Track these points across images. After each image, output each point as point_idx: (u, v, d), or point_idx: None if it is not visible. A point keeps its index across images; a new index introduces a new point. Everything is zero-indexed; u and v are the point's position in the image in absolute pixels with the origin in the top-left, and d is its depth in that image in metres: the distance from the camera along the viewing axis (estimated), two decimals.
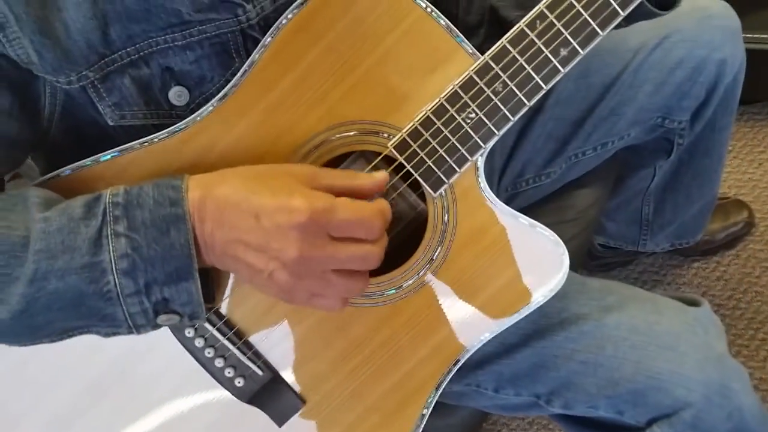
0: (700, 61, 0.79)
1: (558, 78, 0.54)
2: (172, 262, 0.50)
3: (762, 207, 1.24)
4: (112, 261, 0.49)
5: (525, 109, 0.54)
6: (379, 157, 0.56)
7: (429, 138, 0.54)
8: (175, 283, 0.50)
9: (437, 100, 0.54)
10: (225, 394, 0.57)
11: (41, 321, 0.50)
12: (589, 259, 1.28)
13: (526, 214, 0.88)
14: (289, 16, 0.53)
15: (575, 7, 0.52)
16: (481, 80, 0.53)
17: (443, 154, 0.54)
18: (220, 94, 0.54)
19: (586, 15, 0.53)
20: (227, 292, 0.57)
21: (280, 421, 0.57)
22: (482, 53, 0.54)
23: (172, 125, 0.56)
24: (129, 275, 0.49)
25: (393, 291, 0.57)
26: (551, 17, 0.53)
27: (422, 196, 0.58)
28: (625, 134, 0.85)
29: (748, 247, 1.21)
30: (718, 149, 0.96)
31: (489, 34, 0.73)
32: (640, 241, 1.12)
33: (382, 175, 0.53)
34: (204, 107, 0.55)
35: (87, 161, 0.55)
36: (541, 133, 0.83)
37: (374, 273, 0.54)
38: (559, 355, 0.62)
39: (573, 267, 0.81)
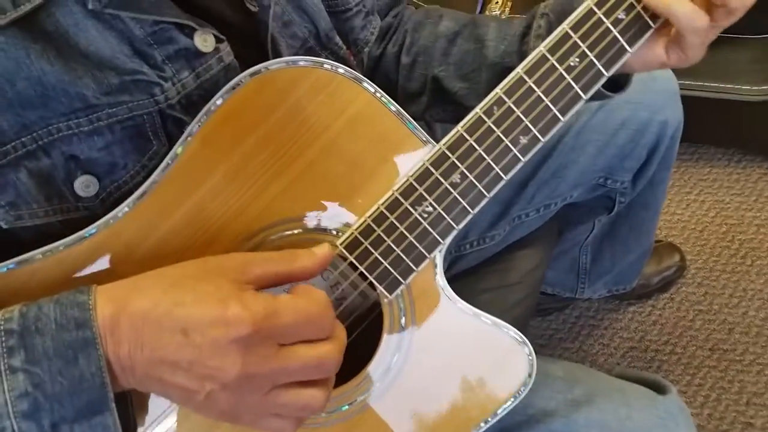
0: (643, 124, 0.78)
1: (518, 167, 0.50)
2: (82, 396, 0.41)
3: (692, 248, 1.26)
4: (8, 403, 0.40)
5: (485, 201, 0.50)
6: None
7: (383, 235, 0.48)
8: (87, 419, 0.42)
9: (390, 193, 0.48)
10: None
11: None
12: None
13: (468, 278, 0.84)
14: (218, 102, 0.46)
15: (535, 92, 0.48)
16: (437, 171, 0.48)
17: (399, 252, 0.49)
18: (138, 192, 0.47)
19: (547, 101, 0.49)
20: (159, 411, 0.48)
21: None
22: (425, 124, 0.49)
23: (79, 218, 0.48)
24: (31, 417, 0.40)
25: (346, 407, 0.50)
26: (509, 102, 0.49)
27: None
28: (568, 195, 0.82)
29: (681, 290, 1.22)
30: (655, 203, 0.97)
31: (431, 103, 0.69)
32: (578, 289, 1.11)
33: (324, 250, 0.46)
34: (118, 208, 0.47)
35: None
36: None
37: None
38: None
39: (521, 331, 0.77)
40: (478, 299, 0.82)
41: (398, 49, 0.71)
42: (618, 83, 0.60)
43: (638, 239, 1.03)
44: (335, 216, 0.48)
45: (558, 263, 1.07)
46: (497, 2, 1.27)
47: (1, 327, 0.41)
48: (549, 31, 0.56)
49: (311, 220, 0.48)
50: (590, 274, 1.08)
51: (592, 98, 0.54)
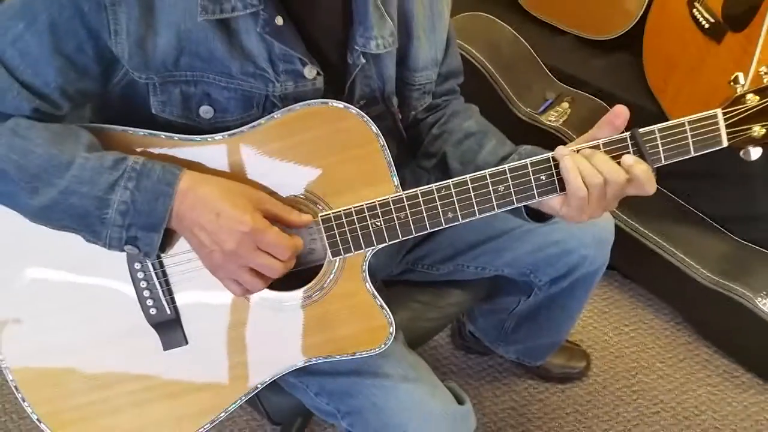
0: (569, 250, 1.06)
1: (438, 228, 0.80)
2: (151, 218, 0.75)
3: (601, 364, 1.53)
4: (116, 202, 0.74)
5: (412, 236, 0.81)
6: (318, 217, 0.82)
7: (345, 224, 0.80)
8: (146, 231, 0.76)
9: (362, 204, 0.79)
10: (140, 314, 0.82)
11: (54, 216, 0.75)
12: (459, 339, 1.56)
13: (411, 287, 1.15)
14: (297, 107, 0.78)
15: (470, 192, 0.79)
16: (393, 206, 0.79)
17: (349, 237, 0.80)
18: (231, 132, 0.79)
19: (474, 201, 0.79)
20: (175, 251, 0.82)
21: (167, 347, 0.83)
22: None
23: (192, 127, 0.81)
24: (122, 214, 0.75)
25: (277, 302, 0.83)
26: (452, 190, 0.79)
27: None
28: (501, 269, 1.12)
29: (573, 388, 1.49)
30: (571, 309, 1.24)
31: (435, 165, 0.98)
32: (496, 343, 1.40)
33: (306, 218, 0.79)
34: (217, 134, 0.79)
35: (129, 129, 0.79)
36: (446, 238, 1.10)
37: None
38: (362, 393, 0.88)
39: (420, 340, 1.09)
40: (409, 303, 1.14)
41: (434, 121, 1.01)
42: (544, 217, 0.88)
43: (550, 331, 1.31)
44: (326, 199, 0.80)
45: (489, 316, 1.36)
46: (557, 112, 1.55)
47: (131, 164, 0.75)
48: None
49: (312, 195, 0.80)
50: (508, 338, 1.37)
51: (534, 219, 0.84)
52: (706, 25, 1.35)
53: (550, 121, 1.54)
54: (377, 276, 1.05)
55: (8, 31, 0.73)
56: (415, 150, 1.03)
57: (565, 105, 1.56)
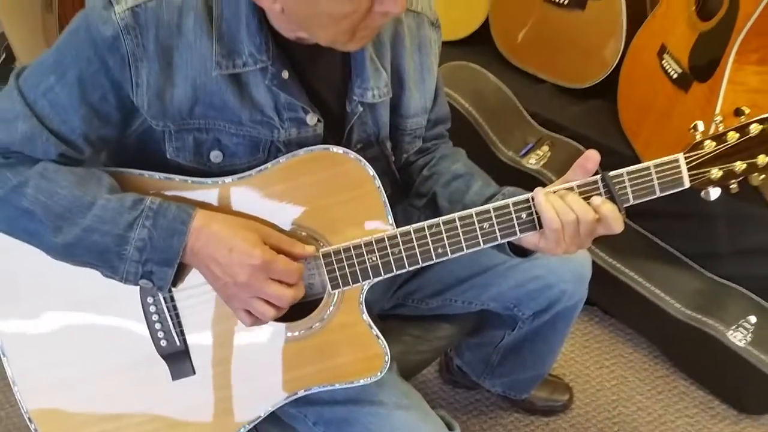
0: (549, 285, 1.13)
1: (430, 263, 0.87)
2: (166, 254, 0.82)
3: (583, 398, 1.58)
4: (134, 239, 0.81)
5: (404, 270, 0.87)
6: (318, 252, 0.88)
7: (344, 259, 0.87)
8: (161, 266, 0.82)
9: (359, 240, 0.86)
10: (150, 345, 0.88)
11: (76, 253, 0.81)
12: (447, 373, 1.61)
13: (402, 321, 1.21)
14: (301, 153, 0.86)
15: (458, 230, 0.86)
16: (388, 242, 0.86)
17: (347, 272, 0.87)
18: (239, 175, 0.86)
19: (461, 237, 0.86)
20: (185, 286, 0.88)
21: (175, 377, 0.88)
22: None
23: (202, 171, 0.88)
24: (140, 250, 0.81)
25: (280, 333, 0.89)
26: (442, 228, 0.86)
27: None
28: (487, 303, 1.18)
29: (557, 421, 1.54)
30: (553, 343, 1.31)
31: (425, 204, 1.06)
32: (483, 377, 1.45)
33: (309, 249, 0.86)
34: (225, 177, 0.86)
35: (145, 172, 0.86)
36: (435, 274, 1.17)
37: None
38: (359, 421, 0.94)
39: (412, 372, 1.15)
40: (401, 337, 1.20)
41: (424, 163, 1.09)
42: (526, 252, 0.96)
43: (534, 364, 1.37)
44: (326, 236, 0.87)
45: (476, 350, 1.42)
46: (537, 155, 1.65)
47: (149, 204, 0.81)
48: None
49: (313, 232, 0.87)
50: (494, 371, 1.42)
51: (517, 254, 0.92)
52: (674, 75, 1.46)
53: (530, 164, 1.63)
54: (371, 309, 1.11)
55: (41, 84, 0.80)
56: (406, 190, 1.10)
57: (545, 149, 1.65)
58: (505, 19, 1.92)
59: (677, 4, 1.46)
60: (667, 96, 1.47)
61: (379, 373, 0.89)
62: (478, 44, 2.00)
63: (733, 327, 1.48)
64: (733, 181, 0.93)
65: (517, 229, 0.87)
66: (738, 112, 0.93)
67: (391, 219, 0.87)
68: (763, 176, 0.94)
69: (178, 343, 0.88)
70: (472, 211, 0.86)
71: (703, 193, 0.93)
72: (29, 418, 0.87)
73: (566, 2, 1.74)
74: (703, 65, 1.37)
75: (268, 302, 0.82)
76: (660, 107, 1.50)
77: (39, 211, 0.79)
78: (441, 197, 1.04)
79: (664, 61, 1.49)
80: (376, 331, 0.89)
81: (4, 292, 0.87)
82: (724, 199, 1.50)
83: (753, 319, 1.49)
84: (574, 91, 1.81)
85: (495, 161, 1.66)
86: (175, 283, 0.86)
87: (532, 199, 0.86)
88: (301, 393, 0.90)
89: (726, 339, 1.46)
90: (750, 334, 1.47)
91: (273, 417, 0.98)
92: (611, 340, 1.71)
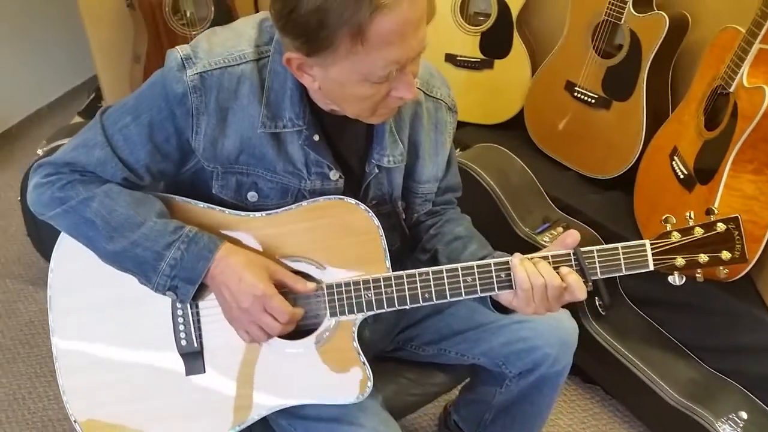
0: (534, 347, 1.24)
1: (417, 305, 1.01)
2: (191, 274, 0.99)
3: None
4: (168, 257, 0.98)
5: (394, 309, 1.02)
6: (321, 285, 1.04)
7: (343, 291, 1.02)
8: (186, 283, 0.99)
9: (359, 278, 1.02)
10: (173, 343, 1.04)
11: (121, 260, 1.00)
12: (445, 428, 1.70)
13: (399, 364, 1.34)
14: (320, 200, 1.03)
15: (444, 280, 1.01)
16: (383, 282, 1.01)
17: (345, 303, 1.02)
18: (268, 212, 1.04)
19: (446, 287, 1.01)
20: (208, 299, 1.04)
21: (188, 373, 1.04)
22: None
23: (239, 207, 1.06)
24: (171, 267, 0.99)
25: (281, 349, 1.04)
26: (430, 276, 1.01)
27: None
28: (478, 358, 1.30)
29: None
30: (539, 406, 1.40)
31: (428, 259, 1.21)
32: None
33: (311, 286, 1.01)
34: (257, 213, 1.04)
35: (191, 201, 1.05)
36: (433, 324, 1.30)
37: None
38: None
39: (403, 412, 1.26)
40: (397, 378, 1.33)
41: (432, 224, 1.24)
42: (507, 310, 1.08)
43: (522, 425, 1.46)
44: (327, 274, 1.03)
45: (471, 405, 1.52)
46: (551, 234, 1.77)
47: (187, 232, 0.99)
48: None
49: (315, 268, 1.03)
50: (485, 429, 1.51)
51: (498, 310, 1.05)
52: (681, 176, 1.58)
53: (545, 241, 1.75)
54: (372, 349, 1.25)
55: (119, 122, 1.01)
56: (414, 245, 1.26)
57: (560, 229, 1.78)
58: (538, 111, 2.10)
59: (690, 112, 1.60)
60: (674, 194, 1.59)
61: (361, 395, 1.02)
62: (513, 129, 2.18)
63: (723, 419, 1.53)
64: (699, 270, 1.05)
65: (495, 285, 1.01)
66: (708, 212, 1.05)
67: (388, 263, 1.02)
68: (726, 270, 1.06)
69: (195, 345, 1.04)
70: (459, 266, 1.01)
71: (670, 278, 1.05)
72: (63, 391, 1.04)
73: (594, 102, 1.91)
74: (705, 169, 1.49)
75: (262, 329, 0.98)
76: (667, 204, 1.62)
77: (99, 222, 0.99)
78: (441, 254, 1.19)
79: (674, 162, 1.62)
80: (363, 358, 1.03)
81: (64, 286, 1.06)
82: (723, 296, 1.61)
83: (744, 415, 1.54)
84: (596, 180, 1.95)
85: (512, 235, 1.80)
86: (196, 299, 1.03)
87: (510, 261, 1.00)
88: (292, 403, 1.04)
89: (714, 429, 1.51)
90: (739, 429, 1.52)
91: (267, 429, 1.13)
92: (609, 419, 1.77)
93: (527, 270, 0.98)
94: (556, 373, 1.30)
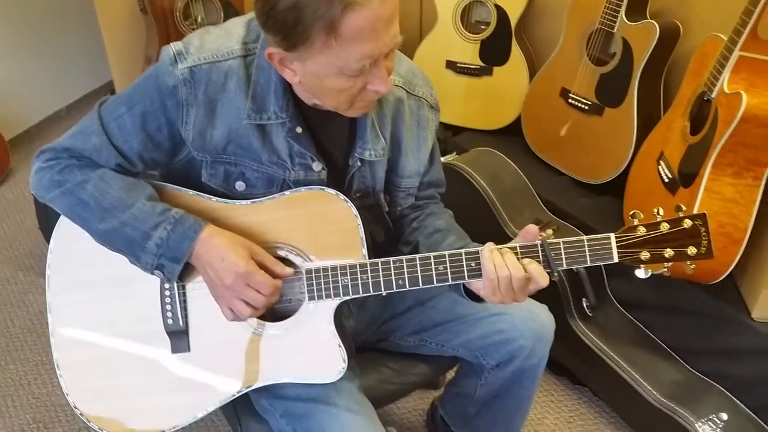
0: (510, 339, 1.28)
1: (391, 291, 1.06)
2: (176, 253, 1.05)
3: None
4: (155, 237, 1.05)
5: (369, 294, 1.07)
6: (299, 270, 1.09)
7: (321, 277, 1.07)
8: (171, 262, 1.05)
9: (336, 263, 1.07)
10: (160, 321, 1.10)
11: (112, 239, 1.06)
12: (432, 423, 1.75)
13: (382, 354, 1.39)
14: (302, 190, 1.09)
15: (416, 267, 1.06)
16: (359, 269, 1.07)
17: (323, 288, 1.07)
18: (254, 200, 1.10)
19: (419, 273, 1.06)
20: (193, 280, 1.10)
21: (174, 351, 1.10)
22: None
23: (227, 195, 1.12)
24: (158, 246, 1.05)
25: (262, 330, 1.09)
26: (404, 264, 1.06)
27: None
28: (457, 349, 1.34)
29: None
30: (520, 400, 1.43)
31: (410, 250, 1.26)
32: (461, 428, 1.58)
33: (288, 271, 1.07)
34: (243, 201, 1.10)
35: (181, 188, 1.11)
36: (415, 316, 1.35)
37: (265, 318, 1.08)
38: (315, 417, 1.11)
39: (384, 400, 1.31)
40: (381, 368, 1.38)
41: (414, 217, 1.30)
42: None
43: (504, 421, 1.49)
44: (309, 256, 1.09)
45: (456, 401, 1.56)
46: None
47: (173, 214, 1.06)
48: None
49: (297, 250, 1.09)
50: (470, 423, 1.54)
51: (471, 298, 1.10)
52: (666, 179, 1.62)
53: None
54: (357, 339, 1.30)
55: (114, 112, 1.08)
56: (398, 237, 1.31)
57: (550, 231, 1.80)
58: (534, 117, 2.15)
59: (676, 117, 1.64)
60: (659, 197, 1.63)
61: (335, 377, 1.07)
62: (511, 135, 2.22)
63: (703, 420, 1.55)
64: (665, 265, 1.09)
65: (465, 274, 1.06)
66: (677, 209, 1.09)
67: (364, 251, 1.08)
68: (693, 266, 1.09)
69: (181, 324, 1.10)
70: (431, 254, 1.06)
71: (636, 271, 1.09)
72: (57, 366, 1.11)
73: (587, 108, 1.95)
74: (688, 173, 1.53)
75: (246, 303, 1.03)
76: (652, 207, 1.65)
77: (92, 203, 1.05)
78: (422, 246, 1.24)
79: (660, 166, 1.66)
80: (338, 341, 1.08)
81: (61, 265, 1.13)
82: (707, 299, 1.63)
83: (724, 416, 1.56)
84: (589, 185, 1.98)
85: (503, 235, 1.84)
86: (182, 278, 1.09)
87: (480, 251, 1.05)
88: (269, 382, 1.09)
89: (694, 430, 1.54)
90: (719, 430, 1.54)
91: (251, 411, 1.18)
92: (595, 420, 1.80)
93: (495, 261, 1.03)
94: (532, 366, 1.33)
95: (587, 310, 1.78)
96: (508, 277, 1.02)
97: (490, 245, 1.06)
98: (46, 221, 2.19)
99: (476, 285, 1.08)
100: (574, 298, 1.77)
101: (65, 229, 1.12)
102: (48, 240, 2.20)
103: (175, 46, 1.06)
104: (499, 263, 1.02)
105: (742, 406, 1.58)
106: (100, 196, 1.05)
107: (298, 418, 1.13)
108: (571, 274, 1.77)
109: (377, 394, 1.29)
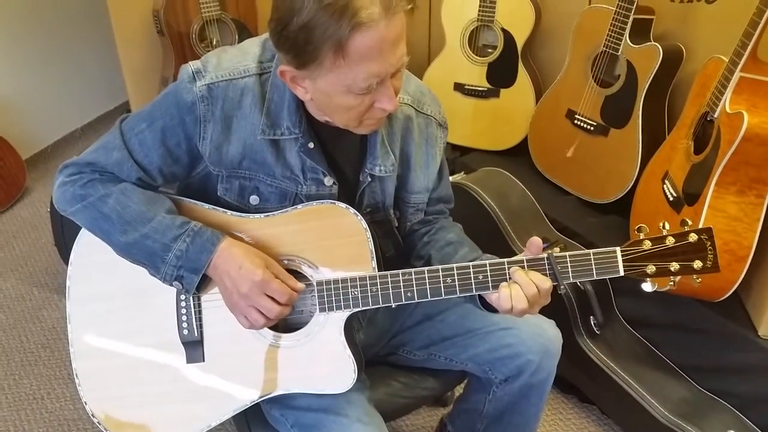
0: (518, 353, 1.30)
1: (400, 303, 1.09)
2: (195, 264, 1.08)
3: None
4: (175, 249, 1.08)
5: (379, 306, 1.09)
6: (311, 282, 1.12)
7: (333, 288, 1.10)
8: (190, 273, 1.09)
9: (346, 276, 1.10)
10: (175, 332, 1.13)
11: (133, 251, 1.10)
12: None
13: (392, 368, 1.41)
14: (314, 204, 1.12)
15: (425, 280, 1.08)
16: (369, 281, 1.09)
17: (333, 300, 1.10)
18: (267, 214, 1.13)
19: (427, 285, 1.08)
20: (209, 292, 1.13)
21: (189, 361, 1.13)
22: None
23: (241, 209, 1.16)
24: (177, 258, 1.08)
25: (275, 340, 1.12)
26: (413, 276, 1.09)
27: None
28: (465, 363, 1.36)
29: None
30: (527, 416, 1.44)
31: (422, 264, 1.28)
32: None
33: (300, 286, 1.10)
34: (256, 215, 1.14)
35: (197, 202, 1.15)
36: (425, 330, 1.37)
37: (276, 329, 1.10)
38: (326, 427, 1.13)
39: (393, 414, 1.33)
40: (390, 381, 1.40)
41: (425, 232, 1.33)
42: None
43: None
44: (318, 272, 1.12)
45: (465, 417, 1.57)
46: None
47: (192, 227, 1.09)
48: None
49: (311, 263, 1.12)
50: None
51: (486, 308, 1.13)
52: (671, 198, 1.64)
53: None
54: (367, 352, 1.32)
55: (135, 127, 1.12)
56: (409, 252, 1.34)
57: (557, 250, 1.84)
58: (541, 138, 2.18)
59: (680, 137, 1.67)
60: (665, 216, 1.65)
61: (345, 387, 1.10)
62: (518, 156, 2.26)
63: None
64: (671, 279, 1.11)
65: (473, 287, 1.08)
66: (683, 223, 1.12)
67: (374, 264, 1.11)
68: (699, 279, 1.11)
69: (196, 335, 1.13)
70: (439, 267, 1.09)
71: (643, 285, 1.11)
72: (76, 374, 1.14)
73: (592, 129, 1.99)
74: (692, 192, 1.55)
75: (261, 313, 1.06)
76: (658, 225, 1.67)
77: (114, 216, 1.09)
78: (435, 259, 1.27)
79: (665, 185, 1.68)
80: (349, 351, 1.10)
81: (81, 277, 1.16)
82: (713, 317, 1.65)
83: None
84: (595, 205, 2.01)
85: (510, 253, 1.85)
86: (200, 290, 1.12)
87: (490, 265, 1.08)
88: (281, 392, 1.12)
89: None
90: None
91: (262, 421, 1.20)
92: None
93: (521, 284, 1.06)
94: (540, 381, 1.35)
95: (595, 328, 1.80)
96: (528, 293, 1.06)
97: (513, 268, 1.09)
98: (62, 238, 2.24)
99: (490, 297, 1.10)
100: (581, 316, 1.78)
101: (85, 242, 1.16)
102: (63, 257, 2.25)
103: (193, 65, 1.11)
104: (525, 282, 1.06)
105: (750, 423, 1.58)
106: (121, 209, 1.09)
107: (308, 428, 1.15)
108: (579, 292, 1.79)
109: (386, 407, 1.31)
